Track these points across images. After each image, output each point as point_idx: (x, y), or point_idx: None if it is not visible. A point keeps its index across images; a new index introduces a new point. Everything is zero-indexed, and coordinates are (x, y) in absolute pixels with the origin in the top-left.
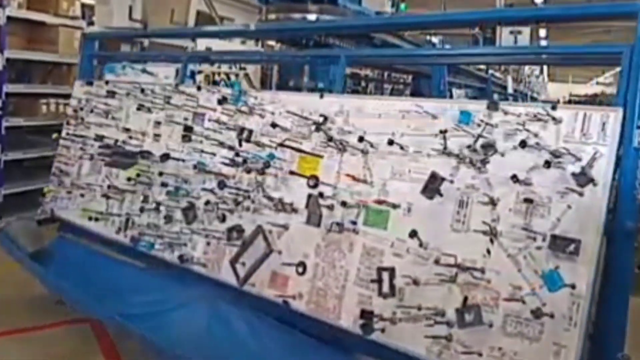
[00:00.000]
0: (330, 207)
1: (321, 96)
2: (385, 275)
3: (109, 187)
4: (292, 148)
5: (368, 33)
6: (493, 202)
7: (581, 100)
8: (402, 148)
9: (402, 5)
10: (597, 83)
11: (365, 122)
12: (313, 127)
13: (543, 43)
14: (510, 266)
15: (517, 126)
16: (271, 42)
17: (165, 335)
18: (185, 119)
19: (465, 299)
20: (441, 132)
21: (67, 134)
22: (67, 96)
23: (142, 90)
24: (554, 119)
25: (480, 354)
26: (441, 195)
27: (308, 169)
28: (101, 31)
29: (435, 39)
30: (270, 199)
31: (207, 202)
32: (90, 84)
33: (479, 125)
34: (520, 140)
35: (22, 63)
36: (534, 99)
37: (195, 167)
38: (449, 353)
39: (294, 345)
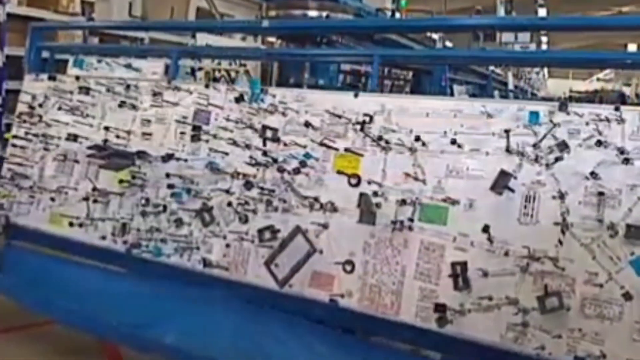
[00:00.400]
0: (379, 205)
1: (356, 95)
2: (459, 269)
3: (94, 189)
4: (330, 147)
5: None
6: (562, 196)
7: (581, 97)
8: (459, 146)
9: (403, 1)
10: (598, 79)
11: (412, 121)
12: (351, 126)
13: (544, 39)
14: (584, 254)
15: (580, 126)
16: (271, 39)
17: (192, 340)
18: (184, 117)
19: (546, 286)
20: (505, 131)
21: (24, 132)
22: None
23: (128, 87)
24: (618, 119)
25: (559, 336)
26: (512, 190)
27: (347, 167)
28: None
29: (435, 35)
30: (304, 198)
31: (229, 204)
32: (53, 78)
33: (544, 124)
34: (584, 138)
35: (22, 60)
36: (534, 95)
37: (207, 167)
38: (526, 338)
39: (342, 345)
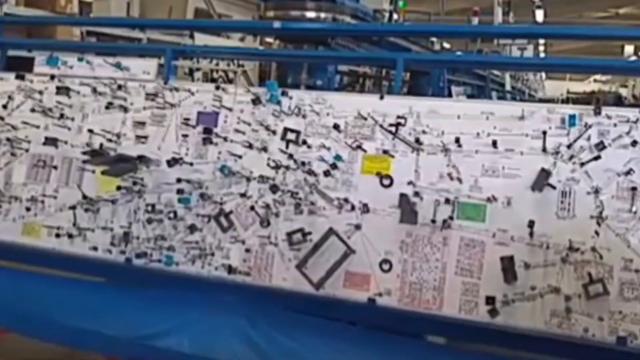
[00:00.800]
0: (414, 205)
1: (381, 97)
2: (507, 263)
3: (84, 197)
4: (361, 148)
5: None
6: (596, 192)
7: (579, 98)
8: (494, 146)
9: (401, 2)
10: (595, 80)
11: (443, 123)
12: (378, 128)
13: (541, 40)
14: (619, 243)
15: (609, 127)
16: (269, 40)
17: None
18: (187, 119)
19: (590, 274)
20: (543, 132)
21: None
22: None
23: (120, 87)
24: None
25: (601, 319)
26: (554, 187)
27: (377, 169)
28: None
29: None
30: (332, 200)
31: (252, 208)
32: (21, 77)
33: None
34: (614, 138)
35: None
36: (531, 97)
37: (220, 170)
38: (569, 323)
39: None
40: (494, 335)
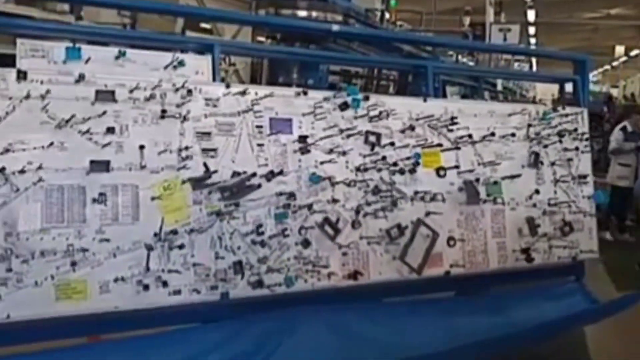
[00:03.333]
0: (475, 187)
1: (425, 100)
2: (531, 222)
3: (155, 234)
4: (432, 146)
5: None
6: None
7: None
8: (503, 137)
9: (392, 2)
10: None
11: (468, 121)
12: (427, 126)
13: (532, 40)
14: (565, 196)
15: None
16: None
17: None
18: (259, 126)
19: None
20: (529, 125)
21: None
22: None
23: (177, 90)
24: None
25: (565, 247)
26: (543, 163)
27: (433, 162)
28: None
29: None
30: (407, 193)
31: (358, 211)
32: (23, 76)
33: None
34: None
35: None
36: (523, 97)
37: (310, 178)
38: (550, 253)
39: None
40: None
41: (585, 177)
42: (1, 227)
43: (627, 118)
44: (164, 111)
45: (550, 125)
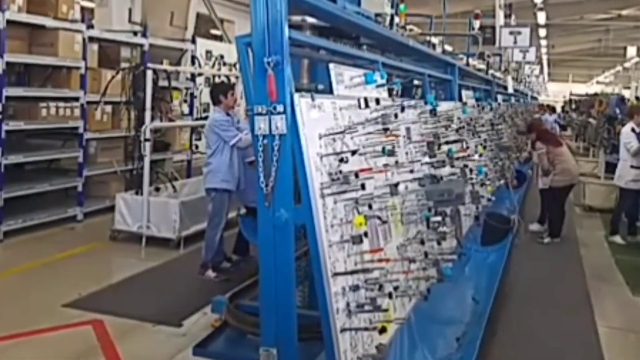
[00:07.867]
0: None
1: (464, 103)
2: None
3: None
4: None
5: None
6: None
7: (581, 99)
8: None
9: (402, 6)
10: (597, 82)
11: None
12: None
13: (543, 43)
14: None
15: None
16: None
17: None
18: (427, 137)
19: None
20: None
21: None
22: (67, 99)
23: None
24: None
25: None
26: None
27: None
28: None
29: (435, 40)
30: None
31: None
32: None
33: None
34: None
35: (21, 66)
36: (534, 99)
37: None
38: None
39: None
40: None
41: None
42: None
43: (632, 119)
44: None
45: None
